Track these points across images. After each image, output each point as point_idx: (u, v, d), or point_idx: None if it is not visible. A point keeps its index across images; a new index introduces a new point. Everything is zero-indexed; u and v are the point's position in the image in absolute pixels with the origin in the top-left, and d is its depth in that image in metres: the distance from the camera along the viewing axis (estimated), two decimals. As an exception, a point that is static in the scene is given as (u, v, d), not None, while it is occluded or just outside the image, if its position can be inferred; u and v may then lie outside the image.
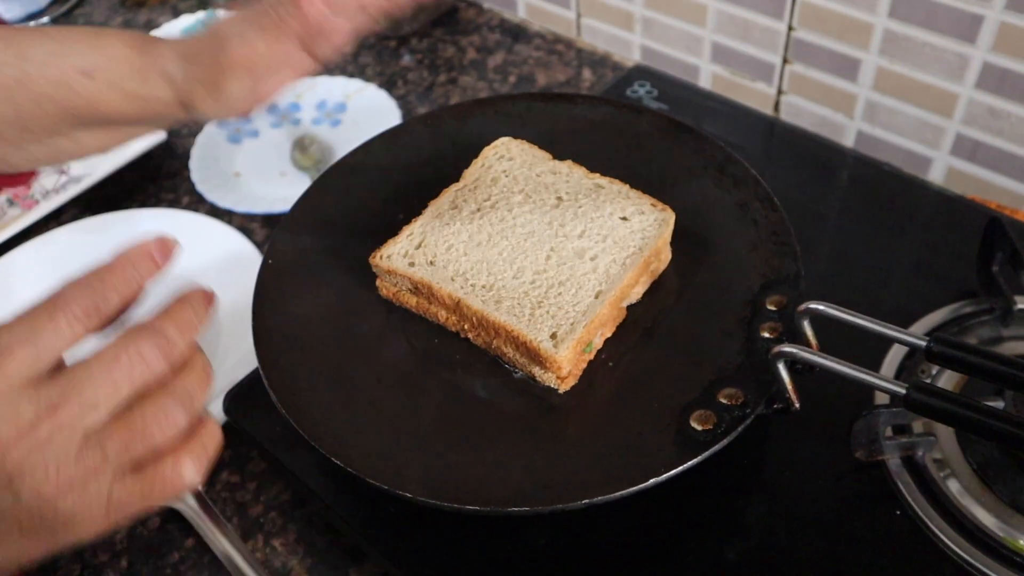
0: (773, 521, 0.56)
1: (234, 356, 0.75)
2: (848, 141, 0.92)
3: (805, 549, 0.55)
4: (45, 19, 1.20)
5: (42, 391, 0.37)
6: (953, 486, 0.56)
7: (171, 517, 0.69)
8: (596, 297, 0.56)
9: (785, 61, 0.91)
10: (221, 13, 0.71)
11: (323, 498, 0.60)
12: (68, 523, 0.38)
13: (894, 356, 0.62)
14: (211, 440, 0.42)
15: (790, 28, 0.88)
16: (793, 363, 0.51)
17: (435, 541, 0.57)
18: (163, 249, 0.43)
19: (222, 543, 0.64)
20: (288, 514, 0.68)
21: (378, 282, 0.61)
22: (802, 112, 0.93)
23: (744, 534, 0.56)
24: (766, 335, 0.55)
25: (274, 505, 0.69)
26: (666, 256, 0.61)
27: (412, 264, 0.59)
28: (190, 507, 0.66)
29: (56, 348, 0.38)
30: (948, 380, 0.61)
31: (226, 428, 0.71)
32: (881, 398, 0.60)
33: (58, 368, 0.39)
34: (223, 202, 0.90)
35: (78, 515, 0.38)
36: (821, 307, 0.51)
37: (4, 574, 0.40)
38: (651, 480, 0.49)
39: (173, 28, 1.11)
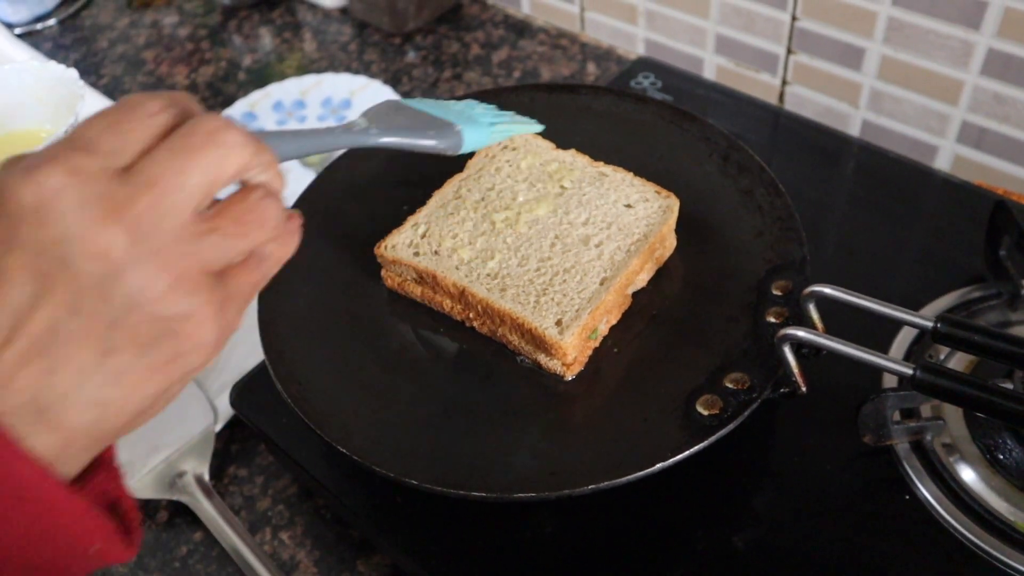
0: (781, 507, 0.56)
1: (241, 348, 0.75)
2: (853, 130, 0.91)
3: (813, 535, 0.55)
4: (52, 21, 1.20)
5: (135, 173, 0.31)
6: (962, 470, 0.55)
7: (179, 511, 0.69)
8: (601, 284, 0.56)
9: (789, 51, 0.90)
10: None
11: (330, 489, 0.60)
12: (183, 329, 0.32)
13: (901, 341, 0.62)
14: (297, 224, 0.37)
15: (794, 18, 0.88)
16: (799, 347, 0.51)
17: (443, 531, 0.57)
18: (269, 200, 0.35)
19: (230, 536, 0.64)
20: (295, 507, 0.68)
21: (383, 272, 0.61)
22: (807, 102, 0.93)
23: (752, 520, 0.56)
24: (772, 320, 0.55)
25: (281, 498, 0.69)
26: (671, 243, 0.61)
27: (417, 254, 0.59)
28: (198, 500, 0.66)
29: (142, 141, 0.32)
30: (957, 364, 0.60)
31: (233, 422, 0.72)
32: (889, 382, 0.59)
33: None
34: (229, 199, 0.90)
35: (193, 317, 0.32)
36: (827, 290, 0.51)
37: (127, 417, 0.33)
38: (657, 465, 0.49)
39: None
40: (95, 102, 1.03)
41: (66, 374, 0.31)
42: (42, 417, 0.31)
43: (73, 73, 0.68)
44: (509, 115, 0.58)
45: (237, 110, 1.01)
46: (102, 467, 0.34)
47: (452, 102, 0.55)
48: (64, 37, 1.19)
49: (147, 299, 0.31)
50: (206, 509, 0.66)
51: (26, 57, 1.08)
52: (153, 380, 0.33)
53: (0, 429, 0.30)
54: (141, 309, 0.31)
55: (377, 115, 0.46)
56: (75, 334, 0.30)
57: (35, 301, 0.30)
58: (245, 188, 0.34)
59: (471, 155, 0.66)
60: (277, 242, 0.36)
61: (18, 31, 1.19)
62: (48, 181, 0.30)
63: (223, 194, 0.35)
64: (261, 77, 1.08)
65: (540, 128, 0.60)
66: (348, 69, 1.07)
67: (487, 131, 0.53)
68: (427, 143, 0.48)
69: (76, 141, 0.31)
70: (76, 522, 0.32)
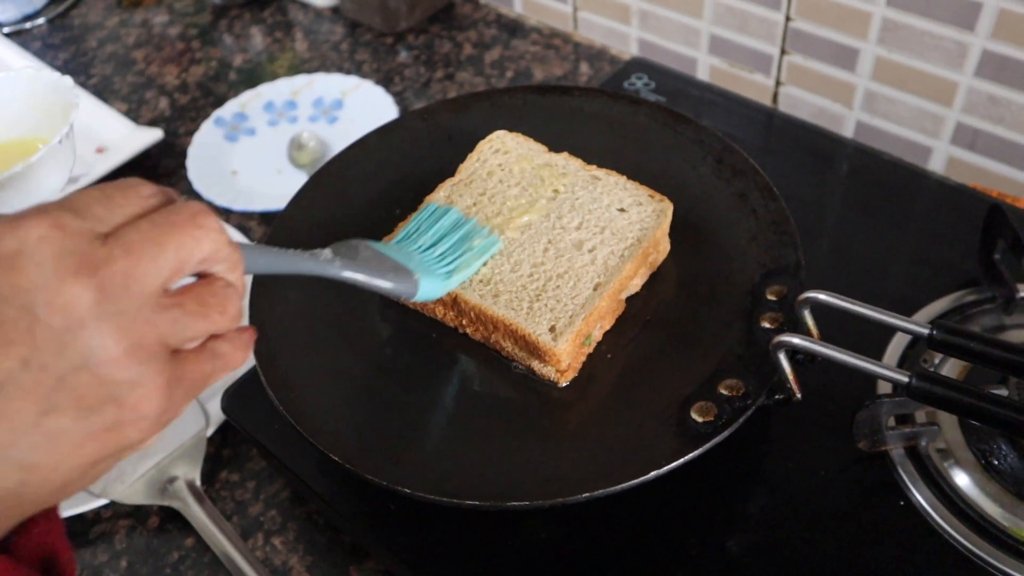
0: (776, 513, 0.56)
1: (232, 354, 0.75)
2: (847, 132, 0.91)
3: (808, 541, 0.54)
4: (41, 20, 1.19)
5: (116, 238, 0.32)
6: (957, 476, 0.55)
7: (170, 516, 0.68)
8: (594, 289, 0.56)
9: (783, 52, 0.90)
10: None
11: (323, 496, 0.59)
12: (129, 397, 0.32)
13: (896, 346, 0.62)
14: (252, 337, 0.38)
15: (788, 18, 0.87)
16: (794, 353, 0.51)
17: (436, 537, 0.56)
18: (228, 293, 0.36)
19: (222, 542, 0.64)
20: (288, 512, 0.68)
21: (375, 277, 0.61)
22: (801, 103, 0.93)
23: (747, 526, 0.55)
24: (766, 325, 0.55)
25: (274, 503, 0.69)
26: (665, 247, 0.60)
27: (409, 259, 0.59)
28: (189, 506, 0.66)
29: (128, 214, 0.33)
30: (951, 369, 0.60)
31: (225, 426, 0.72)
32: (883, 388, 0.59)
33: None
34: (220, 200, 0.90)
35: (141, 387, 0.32)
36: (821, 296, 0.51)
37: (51, 487, 0.32)
38: (652, 473, 0.48)
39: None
40: (88, 105, 1.02)
41: (1, 431, 0.30)
42: None
43: (68, 81, 0.68)
44: (475, 241, 0.58)
45: (228, 110, 1.00)
46: (40, 518, 0.33)
47: (417, 250, 0.57)
48: (53, 36, 1.18)
49: (100, 359, 0.31)
50: (197, 515, 0.66)
51: (13, 56, 1.07)
52: (86, 448, 0.32)
53: None
54: (92, 369, 0.31)
55: (344, 250, 0.49)
56: (21, 388, 0.30)
57: None
58: (212, 276, 0.35)
59: (463, 159, 0.66)
60: (231, 344, 0.36)
61: (6, 30, 1.18)
62: (32, 231, 0.30)
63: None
64: (252, 77, 1.08)
65: (499, 245, 0.58)
66: (340, 69, 1.07)
67: (442, 283, 0.55)
68: (384, 285, 0.50)
69: (66, 203, 0.32)
70: None
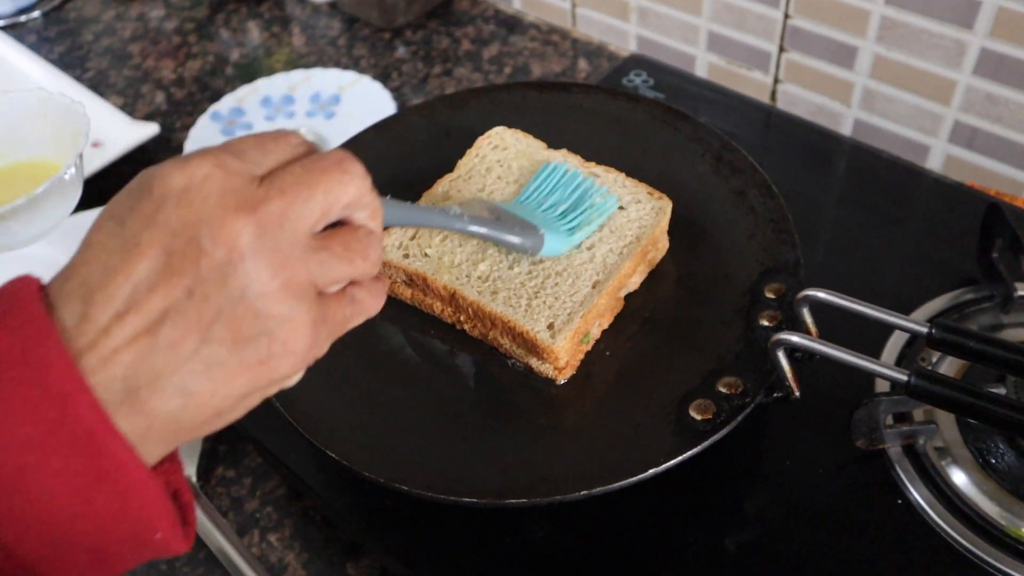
0: (774, 511, 0.56)
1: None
2: (845, 130, 0.91)
3: (806, 539, 0.54)
4: (36, 14, 1.19)
5: (271, 180, 0.34)
6: (955, 474, 0.55)
7: (166, 513, 0.68)
8: (593, 287, 0.56)
9: (781, 49, 0.90)
10: None
11: (319, 493, 0.59)
12: (280, 331, 0.33)
13: (894, 344, 0.62)
14: (387, 285, 0.41)
15: (786, 16, 0.87)
16: (793, 351, 0.51)
17: (433, 534, 0.56)
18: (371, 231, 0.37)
19: (217, 539, 0.64)
20: (284, 509, 0.68)
21: (373, 274, 0.61)
22: (799, 101, 0.93)
23: (744, 524, 0.55)
24: (765, 323, 0.55)
25: (270, 500, 0.68)
26: (664, 245, 0.60)
27: (407, 255, 0.59)
28: (185, 503, 0.66)
29: (279, 159, 0.35)
30: (949, 367, 0.60)
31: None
32: (881, 386, 0.59)
33: None
34: (216, 196, 0.89)
35: (292, 322, 0.33)
36: (820, 294, 0.51)
37: (206, 414, 0.33)
38: (650, 471, 0.48)
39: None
40: (84, 100, 1.01)
41: (163, 356, 0.31)
42: (130, 397, 0.31)
43: (80, 108, 0.67)
44: (590, 201, 0.60)
45: (225, 105, 1.00)
46: (167, 458, 0.35)
47: (539, 209, 0.59)
48: (48, 30, 1.17)
49: (257, 293, 0.32)
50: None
51: (8, 49, 1.06)
52: (240, 379, 0.33)
53: (94, 404, 0.30)
54: (249, 302, 0.32)
55: (470, 206, 0.52)
56: (184, 317, 0.32)
57: (158, 279, 0.31)
58: (353, 224, 0.37)
59: (461, 155, 0.66)
60: (368, 291, 0.38)
61: (1, 23, 1.17)
62: (199, 169, 0.32)
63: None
64: (249, 72, 1.07)
65: (616, 203, 0.60)
66: (337, 64, 1.06)
67: (566, 239, 0.57)
68: (512, 239, 0.53)
69: (226, 147, 0.34)
70: (149, 506, 0.32)
